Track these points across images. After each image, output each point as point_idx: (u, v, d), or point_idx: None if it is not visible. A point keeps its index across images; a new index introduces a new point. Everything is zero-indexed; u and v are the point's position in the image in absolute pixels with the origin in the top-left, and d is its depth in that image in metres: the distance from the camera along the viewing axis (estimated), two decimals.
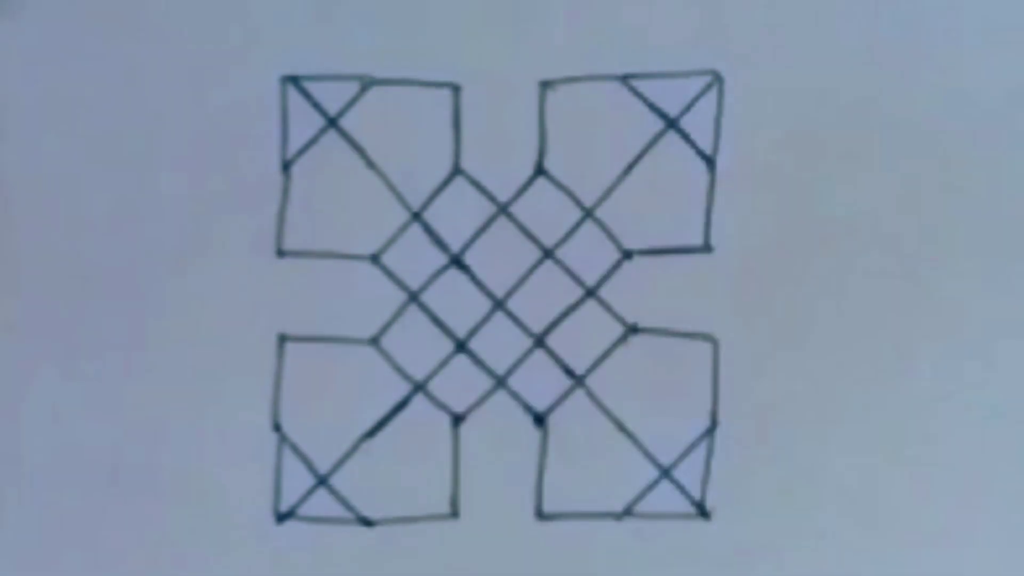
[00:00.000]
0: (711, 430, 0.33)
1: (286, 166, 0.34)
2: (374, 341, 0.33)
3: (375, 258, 0.33)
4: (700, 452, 0.33)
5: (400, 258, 0.34)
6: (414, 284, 0.34)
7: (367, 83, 0.34)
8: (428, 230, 0.34)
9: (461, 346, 0.33)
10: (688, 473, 0.33)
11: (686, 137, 0.34)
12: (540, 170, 0.34)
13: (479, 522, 0.33)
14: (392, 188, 0.34)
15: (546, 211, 0.34)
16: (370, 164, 0.34)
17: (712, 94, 0.34)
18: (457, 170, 0.34)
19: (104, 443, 0.33)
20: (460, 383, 0.33)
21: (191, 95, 0.33)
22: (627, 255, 0.34)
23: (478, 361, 0.33)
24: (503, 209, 0.34)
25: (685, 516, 0.33)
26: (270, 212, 0.33)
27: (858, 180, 0.33)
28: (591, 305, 0.34)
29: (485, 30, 0.34)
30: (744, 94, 0.34)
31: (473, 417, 0.33)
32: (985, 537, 0.33)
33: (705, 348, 0.33)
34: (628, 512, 0.33)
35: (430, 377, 0.34)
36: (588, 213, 0.34)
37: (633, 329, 0.33)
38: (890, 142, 0.34)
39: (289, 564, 0.33)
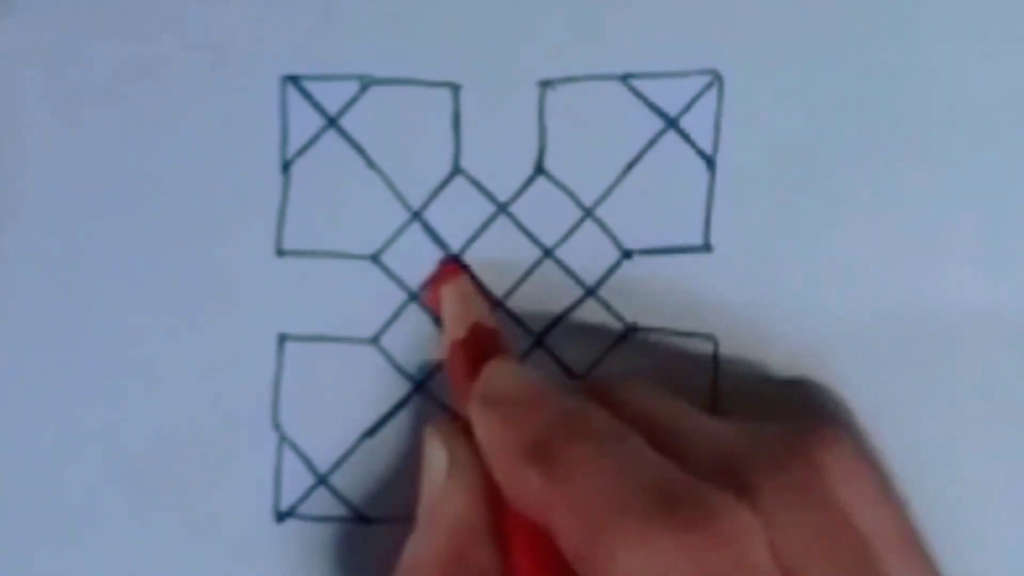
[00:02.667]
0: None
1: (286, 166, 0.34)
2: (374, 341, 0.33)
3: (375, 258, 0.34)
4: None
5: (400, 258, 0.34)
6: (414, 284, 0.34)
7: (367, 83, 0.34)
8: (428, 230, 0.34)
9: None
10: None
11: (686, 137, 0.34)
12: (540, 169, 0.34)
13: None
14: (392, 188, 0.34)
15: (546, 211, 0.34)
16: (370, 164, 0.34)
17: (712, 94, 0.34)
18: (457, 170, 0.34)
19: (102, 442, 0.33)
20: None
21: (189, 94, 0.33)
22: (627, 255, 0.34)
23: None
24: (503, 209, 0.34)
25: None
26: (270, 212, 0.34)
27: (858, 181, 0.33)
28: (591, 305, 0.34)
29: (485, 30, 0.34)
30: (744, 94, 0.34)
31: None
32: None
33: (705, 348, 0.33)
34: None
35: (430, 377, 0.34)
36: (588, 213, 0.34)
37: (633, 328, 0.33)
38: (891, 143, 0.33)
39: (289, 563, 0.33)
